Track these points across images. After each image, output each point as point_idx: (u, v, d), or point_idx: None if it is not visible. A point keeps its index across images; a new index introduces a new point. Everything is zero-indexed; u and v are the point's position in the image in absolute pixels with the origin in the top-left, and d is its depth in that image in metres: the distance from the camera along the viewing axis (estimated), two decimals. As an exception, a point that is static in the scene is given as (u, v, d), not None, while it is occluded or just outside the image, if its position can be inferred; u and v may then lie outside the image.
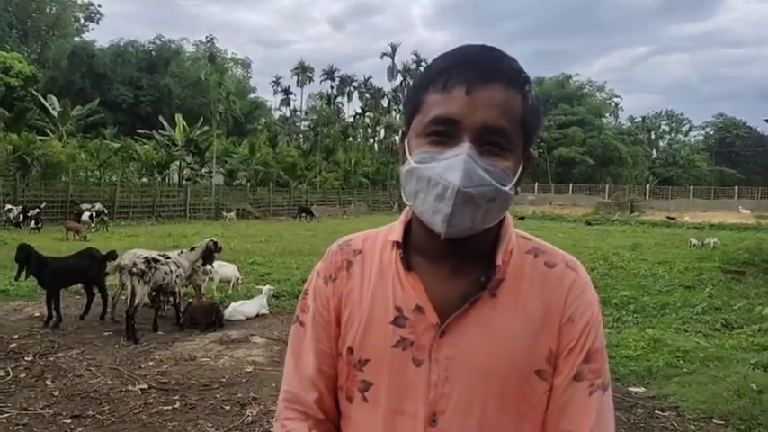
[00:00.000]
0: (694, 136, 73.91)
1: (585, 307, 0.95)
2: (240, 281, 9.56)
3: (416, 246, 0.98)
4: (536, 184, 53.17)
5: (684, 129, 74.12)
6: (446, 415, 0.91)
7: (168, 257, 7.03)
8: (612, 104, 70.80)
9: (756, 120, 77.73)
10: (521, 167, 0.92)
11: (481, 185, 0.85)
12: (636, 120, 72.30)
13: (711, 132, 71.14)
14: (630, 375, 5.56)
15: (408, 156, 0.91)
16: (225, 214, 28.11)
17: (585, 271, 1.00)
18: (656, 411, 4.69)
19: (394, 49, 64.20)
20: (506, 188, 0.88)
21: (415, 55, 64.60)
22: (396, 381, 0.93)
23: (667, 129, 74.32)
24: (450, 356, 0.91)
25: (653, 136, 72.59)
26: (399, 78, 64.58)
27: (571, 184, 50.88)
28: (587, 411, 0.91)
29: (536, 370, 0.92)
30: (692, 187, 48.53)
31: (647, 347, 6.32)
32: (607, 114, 69.03)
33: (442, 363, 0.91)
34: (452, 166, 0.85)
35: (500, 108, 0.87)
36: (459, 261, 0.94)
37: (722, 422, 4.44)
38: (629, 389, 5.23)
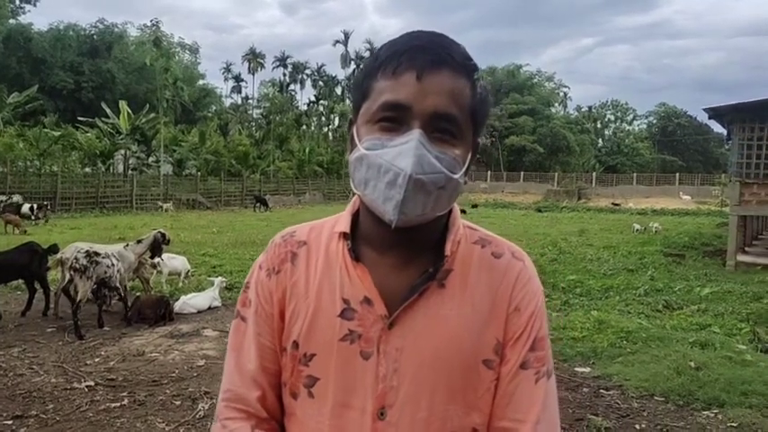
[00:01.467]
0: (638, 125, 76.67)
1: (531, 296, 0.95)
2: (191, 273, 9.37)
3: (364, 236, 0.96)
4: (488, 172, 54.03)
5: (629, 118, 76.70)
6: (394, 408, 0.89)
7: (108, 252, 6.78)
8: (561, 94, 72.49)
9: (696, 109, 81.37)
10: (470, 155, 0.92)
11: (432, 172, 0.84)
12: (583, 109, 74.35)
13: (654, 121, 73.93)
14: (576, 356, 5.75)
15: (357, 143, 0.89)
16: (161, 205, 27.24)
17: (531, 261, 1.01)
18: (601, 390, 4.87)
19: (347, 36, 63.75)
20: (456, 176, 0.87)
21: (368, 42, 64.21)
22: (343, 375, 0.91)
23: (612, 118, 76.69)
24: (399, 348, 0.90)
25: (599, 125, 74.82)
26: (353, 66, 64.22)
27: (522, 172, 51.96)
28: (534, 399, 0.92)
29: (483, 360, 0.92)
30: (635, 174, 50.37)
31: (593, 329, 6.55)
32: (556, 104, 70.59)
33: (390, 355, 0.90)
34: (404, 152, 0.83)
35: (450, 95, 0.86)
36: (408, 252, 0.93)
37: (663, 399, 4.66)
38: (576, 369, 5.41)
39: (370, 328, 0.91)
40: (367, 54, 63.51)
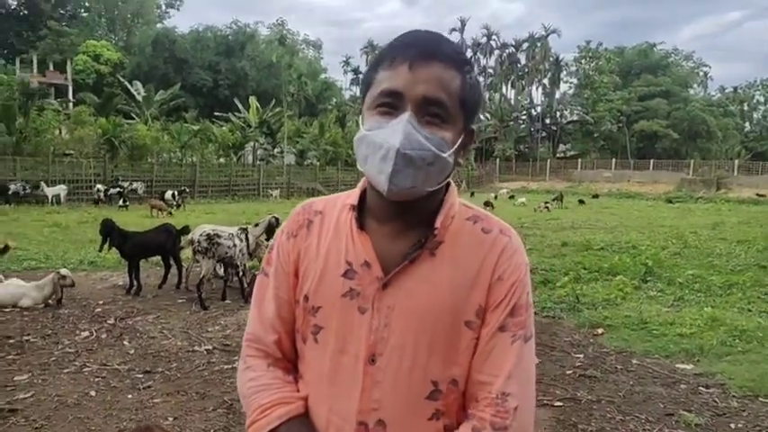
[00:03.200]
0: (793, 106, 67.92)
1: (514, 268, 1.07)
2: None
3: (369, 209, 1.11)
4: (613, 159, 50.90)
5: (782, 99, 68.20)
6: (384, 356, 1.04)
7: (231, 233, 7.51)
8: (701, 74, 66.17)
9: None
10: (461, 140, 1.04)
11: (420, 149, 0.98)
12: (727, 90, 67.37)
13: (813, 102, 65.17)
14: (680, 353, 5.46)
15: (361, 126, 1.05)
16: (270, 193, 28.81)
17: (518, 237, 1.13)
18: (700, 388, 4.62)
19: (463, 23, 62.90)
20: (444, 154, 1.00)
21: (486, 28, 63.03)
22: (343, 325, 1.06)
23: (762, 99, 68.65)
24: (390, 306, 1.04)
25: (746, 107, 67.40)
26: (469, 53, 63.40)
27: (652, 160, 48.28)
28: (508, 357, 1.03)
29: (465, 321, 1.04)
30: (785, 161, 44.84)
31: (703, 326, 6.15)
32: (695, 85, 64.70)
33: (383, 311, 1.04)
34: (395, 130, 0.98)
35: (439, 83, 0.99)
36: (405, 223, 1.07)
37: (769, 401, 4.34)
38: (676, 366, 5.16)
39: (367, 287, 1.06)
40: (484, 40, 62.39)
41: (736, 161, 47.32)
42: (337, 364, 1.07)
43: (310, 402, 1.11)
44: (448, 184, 1.13)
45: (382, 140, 0.99)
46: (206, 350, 5.40)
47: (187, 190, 25.41)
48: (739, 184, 39.31)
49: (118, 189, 22.30)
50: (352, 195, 1.16)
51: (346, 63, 69.94)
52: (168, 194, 22.20)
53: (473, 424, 1.03)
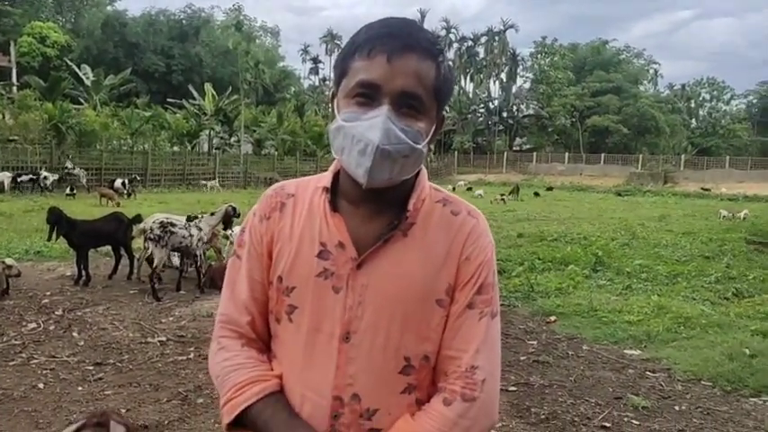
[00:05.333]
0: (736, 104, 71.01)
1: (481, 249, 1.11)
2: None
3: (342, 191, 1.13)
4: (567, 153, 52.26)
5: (726, 97, 71.10)
6: (358, 334, 1.07)
7: (189, 222, 7.35)
8: (651, 71, 68.44)
9: (804, 87, 73.84)
10: (433, 128, 1.07)
11: (398, 143, 0.99)
12: (675, 87, 69.80)
13: (755, 101, 68.39)
14: (628, 339, 5.68)
15: (337, 114, 1.05)
16: (205, 183, 27.28)
17: (485, 219, 1.16)
18: (647, 372, 4.83)
19: (423, 15, 63.02)
20: (420, 146, 1.02)
21: (445, 21, 63.42)
22: (317, 305, 1.08)
23: (708, 97, 71.41)
24: (364, 285, 1.07)
25: (692, 104, 70.05)
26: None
27: (603, 155, 49.79)
28: (476, 333, 1.08)
29: (436, 299, 1.08)
30: (728, 157, 46.96)
31: (650, 313, 6.41)
32: (645, 82, 66.82)
33: (357, 290, 1.07)
34: (373, 125, 0.99)
35: (416, 76, 1.00)
36: (378, 206, 1.09)
37: (710, 383, 4.56)
38: (624, 351, 5.37)
39: (341, 267, 1.08)
40: (444, 33, 62.72)
41: (683, 156, 49.32)
42: (312, 342, 1.10)
43: (285, 380, 1.13)
44: (420, 169, 1.16)
45: (360, 135, 1.00)
46: (159, 341, 5.28)
47: (138, 178, 24.66)
48: (685, 178, 41.05)
49: (30, 176, 21.22)
50: (324, 178, 1.17)
51: (305, 52, 69.19)
52: (118, 183, 21.51)
53: (444, 396, 1.07)
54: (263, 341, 1.19)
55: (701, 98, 71.20)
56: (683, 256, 10.65)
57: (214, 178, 28.49)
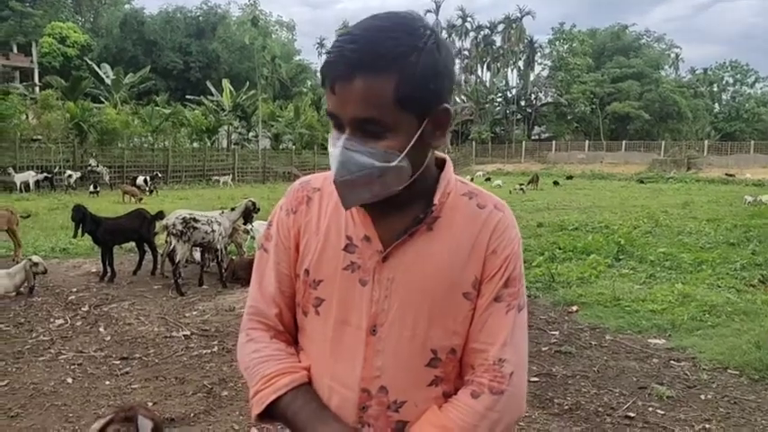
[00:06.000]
0: (761, 88, 69.37)
1: (507, 242, 1.10)
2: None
3: None
4: (587, 141, 51.54)
5: (750, 80, 69.55)
6: (384, 326, 1.08)
7: (211, 218, 7.43)
8: (672, 56, 66.89)
9: (832, 68, 71.78)
10: (418, 133, 0.99)
11: (360, 170, 0.98)
12: (697, 72, 68.44)
13: (780, 83, 66.70)
14: (652, 328, 5.61)
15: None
16: (218, 179, 27.19)
17: (511, 212, 1.16)
18: (672, 362, 4.76)
19: (438, 5, 62.58)
20: (393, 163, 0.98)
21: (461, 10, 62.82)
22: (344, 297, 1.10)
23: (731, 81, 69.93)
24: (390, 278, 1.08)
25: (716, 88, 68.62)
26: (444, 35, 63.01)
27: (624, 141, 49.05)
28: (503, 326, 1.08)
29: (463, 292, 1.08)
30: (752, 142, 45.91)
31: (675, 302, 6.32)
32: (666, 67, 65.37)
33: (383, 283, 1.08)
34: (333, 157, 0.99)
35: (365, 100, 0.94)
36: (403, 200, 1.07)
37: (736, 372, 4.49)
38: (648, 341, 5.30)
39: (367, 260, 1.09)
40: (459, 22, 62.18)
41: (706, 142, 48.36)
42: (339, 334, 1.11)
43: (312, 372, 1.14)
44: (444, 161, 1.15)
45: (331, 163, 1.02)
46: (184, 335, 5.36)
47: (159, 175, 25.00)
48: (709, 164, 40.24)
49: (45, 175, 21.58)
50: None
51: (320, 45, 69.07)
52: (140, 180, 21.81)
53: (472, 389, 1.07)
54: (290, 333, 1.20)
55: (723, 82, 69.75)
56: (707, 244, 10.47)
57: (227, 174, 28.54)
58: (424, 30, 0.97)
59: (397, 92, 0.94)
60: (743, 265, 8.28)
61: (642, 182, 33.71)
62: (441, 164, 1.15)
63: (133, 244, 8.36)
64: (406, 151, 1.00)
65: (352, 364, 1.10)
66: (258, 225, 9.40)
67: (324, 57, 1.03)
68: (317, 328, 1.14)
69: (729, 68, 69.34)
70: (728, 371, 4.53)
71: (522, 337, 1.11)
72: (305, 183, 1.22)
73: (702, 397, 4.07)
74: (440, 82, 0.99)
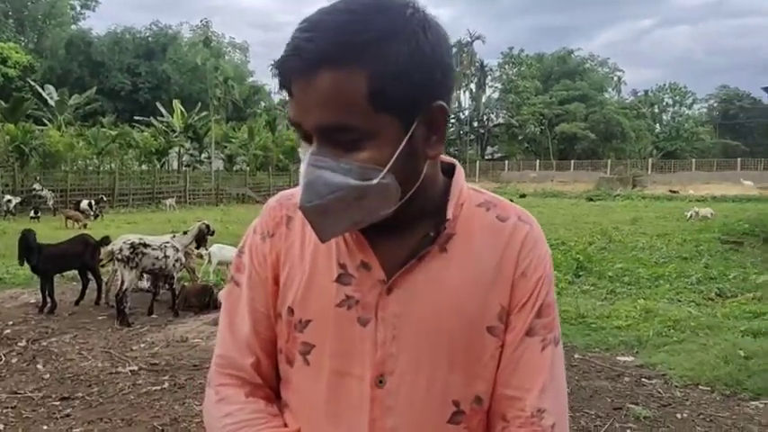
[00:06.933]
0: (698, 109, 73.13)
1: (538, 261, 0.90)
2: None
3: None
4: (537, 161, 52.88)
5: (688, 102, 73.18)
6: (394, 375, 0.86)
7: (165, 243, 7.02)
8: (615, 79, 69.85)
9: (761, 91, 76.56)
10: (406, 139, 0.78)
11: (332, 192, 0.76)
12: (639, 94, 71.56)
13: (715, 105, 70.46)
14: (620, 345, 5.57)
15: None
16: (165, 202, 25.80)
17: (538, 225, 0.94)
18: (643, 379, 4.70)
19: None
20: (374, 181, 0.76)
21: (414, 34, 63.82)
22: (340, 342, 0.88)
23: (671, 102, 73.36)
24: (397, 314, 0.86)
25: (656, 110, 71.81)
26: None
27: (573, 161, 50.64)
28: (540, 366, 0.88)
29: (487, 326, 0.87)
30: (693, 160, 48.17)
31: (639, 318, 6.33)
32: (610, 89, 68.21)
33: (389, 321, 0.86)
34: (301, 177, 0.79)
35: (330, 103, 0.74)
36: (406, 216, 0.86)
37: (708, 388, 4.46)
38: (617, 358, 5.24)
39: (367, 293, 0.87)
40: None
41: (650, 160, 50.41)
42: (336, 389, 0.88)
43: None
44: (453, 166, 0.93)
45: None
46: (131, 371, 4.96)
47: (105, 199, 23.97)
48: (653, 181, 41.86)
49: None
50: None
51: (275, 67, 68.83)
52: (84, 204, 20.83)
53: None
54: (270, 387, 0.96)
55: (664, 103, 73.12)
56: (661, 258, 10.69)
57: (171, 196, 26.97)
58: (403, 8, 0.76)
59: (371, 88, 0.74)
60: (698, 279, 8.46)
61: (591, 199, 34.63)
62: (449, 170, 0.94)
63: (75, 272, 7.84)
64: (390, 164, 0.77)
65: (355, 425, 0.87)
66: (216, 248, 9.02)
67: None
68: (307, 381, 0.90)
69: (669, 90, 72.78)
70: (700, 387, 4.49)
71: (562, 379, 0.92)
72: (284, 199, 0.98)
73: (679, 416, 3.99)
74: (427, 73, 0.77)
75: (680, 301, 7.26)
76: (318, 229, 0.80)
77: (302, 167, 0.78)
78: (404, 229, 0.88)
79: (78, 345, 5.70)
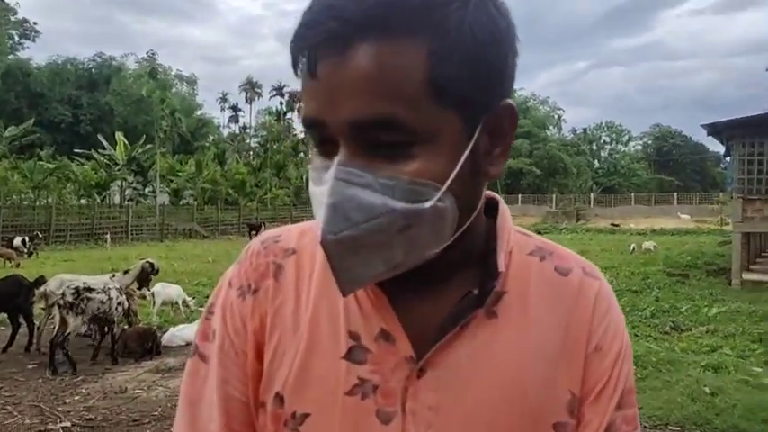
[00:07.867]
0: (634, 146, 77.16)
1: (615, 330, 0.67)
2: (187, 302, 8.97)
3: None
4: (486, 195, 54.13)
5: (624, 139, 77.14)
6: None
7: (106, 284, 6.53)
8: (556, 117, 72.99)
9: (692, 129, 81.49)
10: (468, 150, 0.57)
11: (371, 219, 0.54)
12: (578, 131, 74.90)
13: (650, 142, 74.43)
14: (585, 384, 5.46)
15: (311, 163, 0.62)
16: (106, 237, 24.02)
17: (605, 279, 0.72)
18: (612, 420, 4.58)
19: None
20: (428, 204, 0.54)
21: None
22: None
23: (608, 139, 77.14)
24: (433, 407, 0.62)
25: (594, 147, 75.22)
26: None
27: (520, 195, 52.06)
28: None
29: (554, 423, 0.64)
30: (633, 194, 50.39)
31: (600, 354, 6.28)
32: (551, 127, 71.12)
33: (421, 416, 0.62)
34: (319, 198, 0.56)
35: (373, 87, 0.52)
36: (445, 264, 0.62)
37: (678, 428, 4.38)
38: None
39: (390, 375, 0.63)
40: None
41: (592, 195, 52.41)
42: None
43: None
44: (496, 201, 0.70)
45: (316, 211, 0.57)
46: (62, 428, 4.49)
47: (40, 235, 22.67)
48: (596, 215, 43.37)
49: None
50: None
51: (224, 100, 68.28)
52: (17, 241, 19.61)
53: None
54: None
55: (601, 141, 76.74)
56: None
57: (106, 233, 24.85)
58: None
59: (432, 69, 0.52)
60: (652, 312, 8.56)
61: (540, 233, 34.52)
62: (491, 206, 0.70)
63: (5, 315, 7.21)
64: (450, 179, 0.56)
65: None
66: (159, 287, 8.52)
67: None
68: None
69: (606, 129, 76.58)
70: (670, 427, 4.41)
71: None
72: (269, 241, 0.72)
73: (653, 459, 3.87)
74: (502, 56, 0.57)
75: (636, 335, 7.28)
76: (343, 274, 0.56)
77: (322, 187, 0.55)
78: (437, 285, 0.65)
79: (4, 398, 5.16)
